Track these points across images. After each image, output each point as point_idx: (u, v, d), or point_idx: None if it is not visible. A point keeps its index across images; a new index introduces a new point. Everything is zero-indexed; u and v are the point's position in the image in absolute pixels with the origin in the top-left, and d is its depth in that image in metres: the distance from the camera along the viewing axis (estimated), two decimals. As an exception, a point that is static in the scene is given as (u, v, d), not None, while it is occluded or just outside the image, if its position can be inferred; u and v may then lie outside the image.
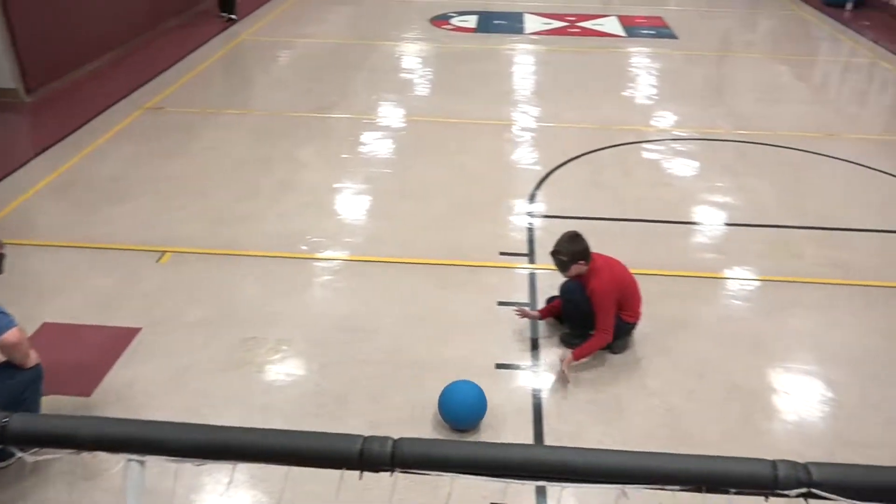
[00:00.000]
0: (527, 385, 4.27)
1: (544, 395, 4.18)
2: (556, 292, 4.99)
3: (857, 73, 10.78)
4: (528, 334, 4.68)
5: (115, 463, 1.52)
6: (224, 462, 1.46)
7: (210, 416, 3.96)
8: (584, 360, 4.31)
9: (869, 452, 3.82)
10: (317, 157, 7.28)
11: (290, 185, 6.64)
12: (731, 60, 11.30)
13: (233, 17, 12.17)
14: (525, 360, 4.46)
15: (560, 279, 4.57)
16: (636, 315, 4.49)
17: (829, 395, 4.23)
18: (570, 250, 4.24)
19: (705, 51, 11.49)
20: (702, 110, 8.79)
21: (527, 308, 4.77)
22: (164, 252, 5.50)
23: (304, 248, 5.64)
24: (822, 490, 1.35)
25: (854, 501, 1.35)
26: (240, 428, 1.45)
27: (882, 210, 6.42)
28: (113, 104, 8.43)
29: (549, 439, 3.88)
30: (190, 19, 12.17)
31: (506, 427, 3.95)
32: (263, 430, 1.49)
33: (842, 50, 11.76)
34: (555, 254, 4.30)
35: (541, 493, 3.51)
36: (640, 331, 4.57)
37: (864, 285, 5.28)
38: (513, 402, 4.14)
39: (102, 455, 1.52)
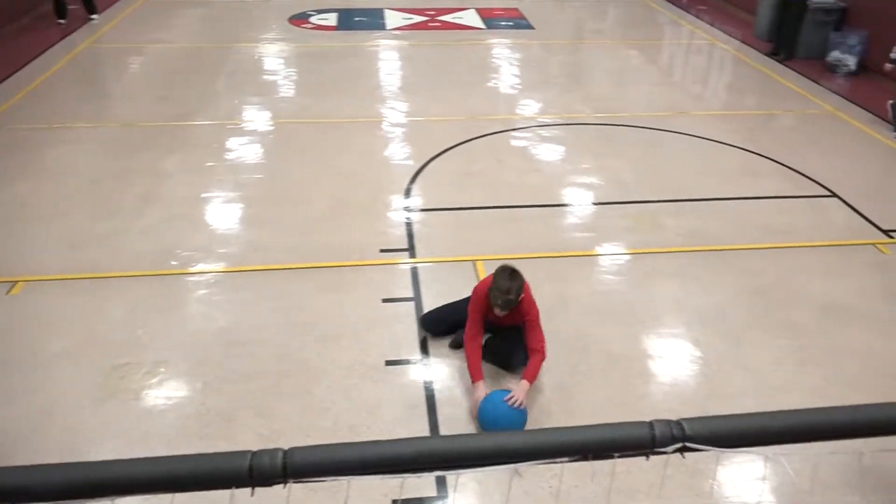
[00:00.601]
0: (418, 378, 4.29)
1: (436, 387, 4.22)
2: (439, 285, 5.06)
3: (698, 54, 11.62)
4: (415, 329, 4.70)
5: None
6: (99, 500, 1.36)
7: (86, 452, 3.70)
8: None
9: (734, 402, 4.15)
10: (180, 167, 6.93)
11: (154, 199, 6.29)
12: (585, 48, 11.85)
13: (93, 17, 11.46)
14: (415, 355, 4.48)
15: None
16: None
17: (697, 353, 4.56)
18: (519, 287, 4.00)
19: (561, 39, 11.98)
20: (563, 96, 9.16)
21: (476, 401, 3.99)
22: (14, 282, 5.05)
23: (175, 263, 5.37)
24: (695, 443, 1.45)
25: (723, 449, 1.46)
26: (114, 461, 1.35)
27: (726, 179, 6.97)
28: (-60, 125, 7.64)
29: (445, 429, 3.93)
30: (27, 25, 11.22)
31: (401, 422, 3.96)
32: (141, 459, 1.40)
33: (683, 34, 12.63)
34: (506, 295, 3.95)
35: (440, 481, 3.55)
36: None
37: (716, 250, 5.71)
38: (406, 396, 4.15)
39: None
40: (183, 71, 9.70)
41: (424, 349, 4.52)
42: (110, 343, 4.49)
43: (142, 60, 10.15)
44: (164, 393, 4.12)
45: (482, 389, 3.97)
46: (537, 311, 4.15)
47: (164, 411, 3.99)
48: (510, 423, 3.76)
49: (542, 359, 4.07)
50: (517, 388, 3.90)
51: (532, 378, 3.98)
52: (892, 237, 5.97)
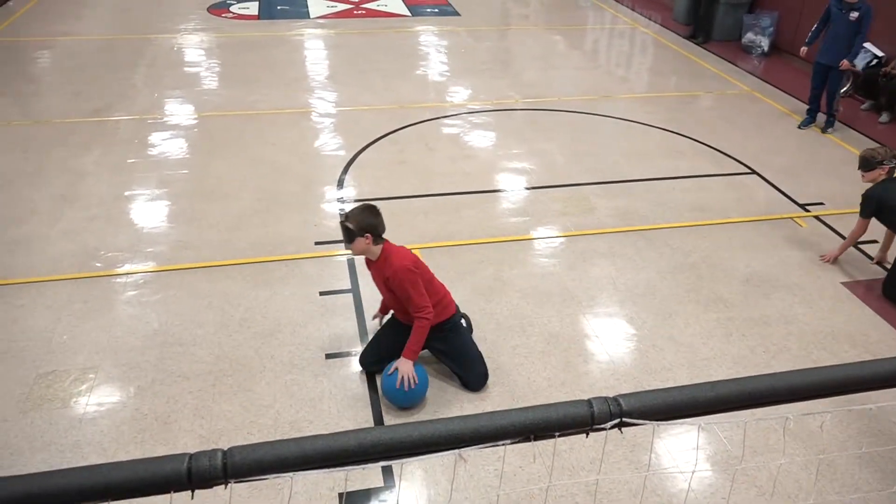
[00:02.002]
0: (360, 369, 4.26)
1: (378, 377, 4.20)
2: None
3: (621, 38, 11.86)
4: (354, 320, 4.66)
5: None
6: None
7: (12, 466, 3.52)
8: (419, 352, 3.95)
9: (669, 375, 4.29)
10: (99, 164, 6.65)
11: (72, 199, 6.02)
12: (511, 34, 11.93)
13: None
14: (355, 346, 4.44)
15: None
16: (450, 305, 4.17)
17: (632, 331, 4.69)
18: (358, 219, 3.80)
19: (487, 26, 12.03)
20: (491, 82, 9.21)
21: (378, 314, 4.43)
22: (-76, 292, 4.76)
23: (99, 265, 5.16)
24: (632, 418, 1.49)
25: (658, 422, 1.50)
26: (41, 473, 1.29)
27: (653, 160, 7.17)
28: None
29: (388, 418, 3.92)
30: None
31: (345, 414, 3.93)
32: (72, 469, 1.34)
33: (605, 18, 12.87)
34: (343, 221, 3.86)
35: (387, 471, 3.55)
36: (463, 299, 4.72)
37: (643, 229, 5.88)
38: (348, 388, 4.12)
39: None
40: (97, 64, 9.28)
41: (365, 340, 4.49)
42: (32, 352, 4.29)
43: (51, 54, 9.66)
44: (95, 400, 3.97)
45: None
46: (408, 274, 3.83)
47: (95, 418, 3.84)
48: (411, 398, 3.96)
49: (424, 327, 3.86)
50: (400, 365, 3.86)
51: (410, 354, 3.87)
52: (808, 211, 6.28)
